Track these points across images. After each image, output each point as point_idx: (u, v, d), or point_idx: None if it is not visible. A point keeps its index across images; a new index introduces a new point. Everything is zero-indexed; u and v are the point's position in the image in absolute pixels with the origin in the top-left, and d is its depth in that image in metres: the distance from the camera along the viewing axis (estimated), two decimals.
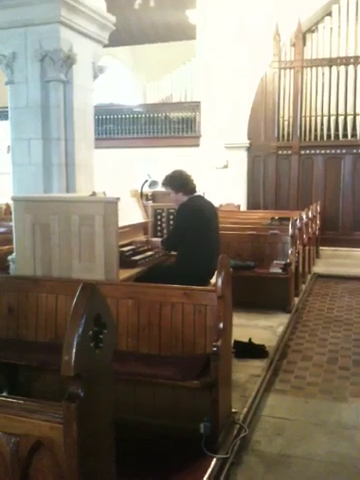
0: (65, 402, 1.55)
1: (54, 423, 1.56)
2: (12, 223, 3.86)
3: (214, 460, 2.74)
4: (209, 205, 4.46)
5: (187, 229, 4.11)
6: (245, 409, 3.37)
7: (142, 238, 4.45)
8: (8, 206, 9.05)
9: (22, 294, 3.48)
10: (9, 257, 4.19)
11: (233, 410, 3.24)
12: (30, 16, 4.13)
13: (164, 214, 4.79)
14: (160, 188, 4.80)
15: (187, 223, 4.12)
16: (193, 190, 4.32)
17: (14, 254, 3.91)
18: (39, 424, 1.58)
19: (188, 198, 4.25)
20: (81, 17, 4.30)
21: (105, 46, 4.83)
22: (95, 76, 4.72)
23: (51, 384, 3.14)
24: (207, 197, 4.60)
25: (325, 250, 10.12)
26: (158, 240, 4.44)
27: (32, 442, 1.59)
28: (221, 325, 2.91)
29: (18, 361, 3.14)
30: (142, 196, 4.96)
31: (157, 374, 2.87)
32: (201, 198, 4.51)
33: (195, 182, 4.38)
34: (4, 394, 3.15)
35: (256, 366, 4.14)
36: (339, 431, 3.28)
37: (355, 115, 10.73)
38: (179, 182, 4.27)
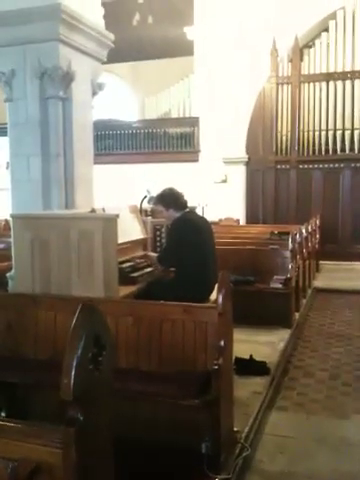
0: (64, 426, 1.52)
1: (53, 448, 1.53)
2: (11, 240, 3.85)
3: None
4: (203, 220, 4.45)
5: (183, 243, 4.09)
6: (247, 427, 3.32)
7: (140, 253, 4.41)
8: (7, 222, 9.02)
9: (21, 311, 3.45)
10: (8, 274, 4.16)
11: (235, 429, 3.20)
12: (29, 33, 4.15)
13: (163, 230, 4.77)
14: (153, 206, 4.79)
15: (182, 238, 4.10)
16: (184, 206, 4.30)
17: (13, 271, 3.89)
18: (37, 449, 1.55)
19: (181, 214, 4.24)
20: (80, 34, 4.33)
21: (104, 62, 4.86)
22: (94, 93, 4.74)
23: (50, 402, 3.09)
24: (206, 211, 4.61)
25: (325, 264, 10.10)
26: (155, 255, 4.41)
27: (31, 467, 1.55)
28: (222, 343, 2.88)
29: (16, 379, 3.10)
30: (141, 212, 4.95)
31: (157, 392, 2.83)
32: (194, 213, 4.51)
33: (191, 197, 4.37)
34: (2, 415, 3.10)
35: (257, 383, 4.09)
36: (342, 448, 3.24)
37: (353, 129, 10.77)
38: (168, 199, 4.27)
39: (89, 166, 4.70)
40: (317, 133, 11.05)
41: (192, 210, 4.55)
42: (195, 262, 4.06)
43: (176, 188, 4.38)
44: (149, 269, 4.27)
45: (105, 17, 4.76)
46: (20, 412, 3.23)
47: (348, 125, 10.79)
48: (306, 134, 11.13)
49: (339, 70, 10.88)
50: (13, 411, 3.21)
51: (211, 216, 4.96)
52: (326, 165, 11.13)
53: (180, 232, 4.14)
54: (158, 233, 4.78)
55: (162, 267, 4.35)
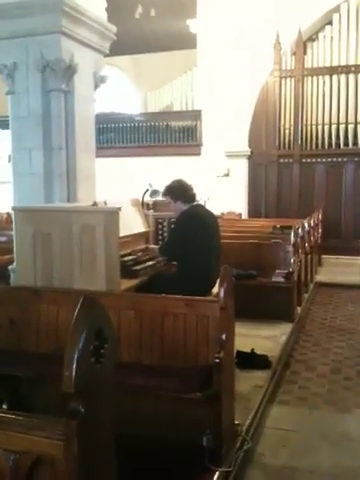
0: (66, 419, 1.52)
1: (54, 440, 1.53)
2: (13, 233, 3.85)
3: (217, 474, 2.70)
4: (209, 214, 4.44)
5: (187, 237, 4.09)
6: (248, 421, 3.33)
7: (142, 246, 4.41)
8: (9, 215, 9.02)
9: (23, 305, 3.45)
10: (10, 267, 4.17)
11: (236, 422, 3.20)
12: (31, 26, 4.14)
13: (165, 223, 4.77)
14: (161, 197, 4.79)
15: (187, 231, 4.10)
16: (192, 198, 4.30)
17: (15, 264, 3.89)
18: (39, 441, 1.55)
19: (188, 207, 4.24)
20: (82, 27, 4.31)
21: (106, 55, 4.84)
22: (96, 86, 4.72)
23: (53, 395, 3.10)
24: (209, 205, 4.59)
25: (327, 258, 10.09)
26: (156, 247, 4.42)
27: (32, 459, 1.56)
28: (224, 336, 2.88)
29: (19, 373, 3.11)
30: (143, 205, 4.94)
31: (159, 386, 2.84)
32: (201, 207, 4.50)
33: (195, 191, 4.38)
34: (4, 408, 3.11)
35: (259, 377, 4.09)
36: (344, 443, 3.25)
37: (356, 123, 10.73)
38: (177, 191, 4.27)
39: (91, 159, 4.69)
40: (320, 127, 11.00)
41: (200, 203, 4.54)
42: (199, 256, 4.05)
43: (185, 180, 4.38)
44: (151, 262, 4.26)
45: (107, 10, 4.73)
46: (23, 406, 3.24)
47: (351, 119, 10.74)
48: (309, 128, 11.08)
49: (343, 64, 10.82)
50: (16, 405, 3.22)
51: (213, 210, 4.94)
52: (329, 159, 11.09)
53: (186, 226, 4.14)
54: (160, 226, 4.78)
55: (163, 258, 4.35)
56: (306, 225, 7.36)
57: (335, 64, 10.88)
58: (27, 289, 3.55)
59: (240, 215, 11.24)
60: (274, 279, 5.96)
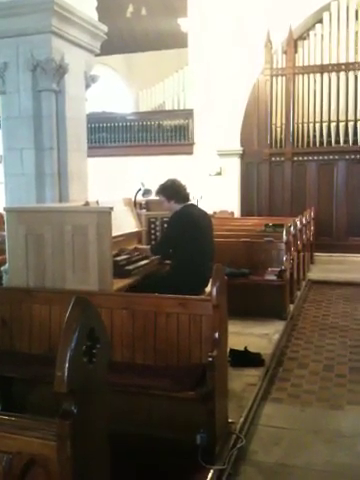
0: (59, 419, 1.52)
1: (48, 440, 1.53)
2: (5, 233, 3.83)
3: (211, 471, 2.71)
4: (203, 213, 4.46)
5: (180, 236, 4.10)
6: (241, 419, 3.34)
7: (132, 246, 4.40)
8: (1, 216, 8.98)
9: (15, 305, 3.45)
10: (2, 268, 4.15)
11: (229, 420, 3.22)
12: (21, 26, 4.13)
13: (158, 223, 4.78)
14: (154, 197, 4.80)
15: (179, 231, 4.12)
16: (186, 198, 4.32)
17: (7, 265, 3.88)
18: (32, 442, 1.55)
19: (181, 206, 4.25)
20: (73, 27, 4.30)
21: (97, 54, 4.84)
22: (87, 85, 4.72)
23: (46, 396, 3.09)
24: (201, 204, 4.60)
25: (319, 256, 10.12)
26: (147, 247, 4.43)
27: (25, 460, 1.56)
28: (216, 335, 2.89)
29: (12, 374, 3.11)
30: (136, 205, 4.95)
31: (152, 385, 2.85)
32: (194, 206, 4.52)
33: (189, 190, 4.39)
34: None
35: (252, 375, 4.11)
36: (337, 440, 3.26)
37: (347, 121, 10.78)
38: (171, 190, 4.28)
39: (83, 159, 4.68)
40: (311, 125, 11.04)
41: (193, 203, 4.56)
42: (192, 255, 4.07)
43: (179, 180, 4.39)
44: (144, 261, 4.26)
45: (98, 9, 4.73)
46: (16, 406, 3.24)
47: (342, 117, 10.79)
48: (301, 126, 11.12)
49: (333, 62, 10.87)
50: (9, 405, 3.22)
51: (206, 209, 4.96)
52: (320, 157, 11.14)
53: (179, 225, 4.15)
54: (153, 226, 4.78)
55: (155, 256, 4.36)
56: (298, 223, 7.39)
57: (326, 62, 10.92)
58: (19, 290, 3.55)
59: (232, 214, 11.27)
60: (267, 277, 5.98)
